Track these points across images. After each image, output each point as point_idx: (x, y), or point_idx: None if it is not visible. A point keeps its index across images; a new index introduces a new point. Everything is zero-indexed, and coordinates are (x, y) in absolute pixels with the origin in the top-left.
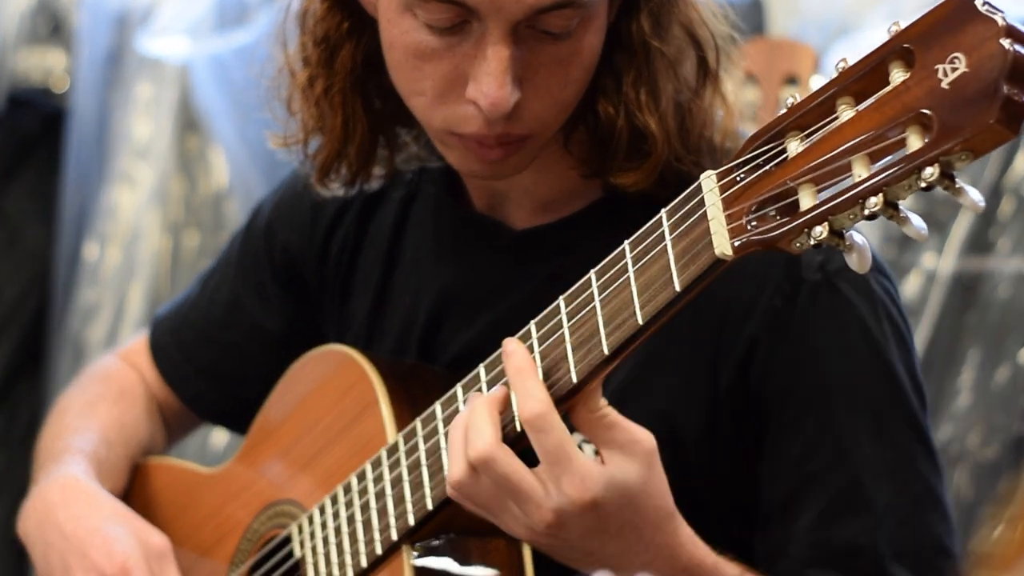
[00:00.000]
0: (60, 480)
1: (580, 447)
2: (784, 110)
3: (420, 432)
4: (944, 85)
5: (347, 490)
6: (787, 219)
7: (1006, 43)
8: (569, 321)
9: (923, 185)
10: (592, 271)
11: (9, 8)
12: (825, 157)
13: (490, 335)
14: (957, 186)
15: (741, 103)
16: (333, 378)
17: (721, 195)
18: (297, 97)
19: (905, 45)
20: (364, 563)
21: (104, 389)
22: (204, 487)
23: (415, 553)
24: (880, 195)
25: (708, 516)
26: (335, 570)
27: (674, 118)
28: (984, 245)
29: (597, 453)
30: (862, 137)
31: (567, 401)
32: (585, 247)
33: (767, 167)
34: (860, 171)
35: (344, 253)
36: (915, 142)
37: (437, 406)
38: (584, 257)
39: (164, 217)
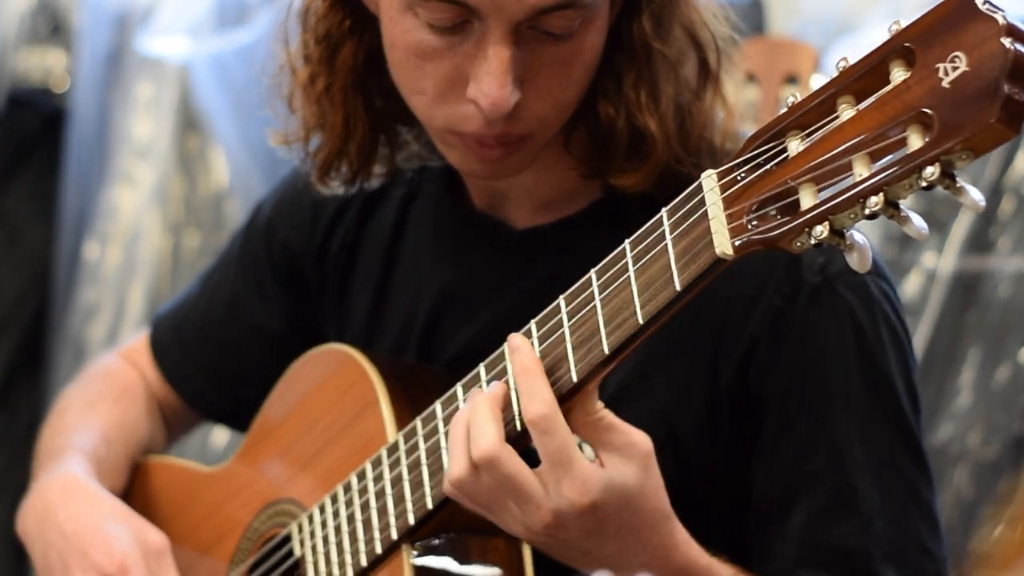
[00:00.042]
0: (60, 479)
1: (580, 447)
2: (784, 109)
3: (420, 431)
4: (945, 84)
5: (347, 489)
6: (788, 218)
7: (1007, 42)
8: (569, 320)
9: (924, 184)
10: (593, 270)
11: (9, 8)
12: (826, 156)
13: (490, 334)
14: (958, 185)
15: (741, 103)
16: (333, 377)
17: (722, 194)
18: (298, 95)
19: (906, 44)
20: (364, 562)
21: (105, 388)
22: (204, 486)
23: (415, 552)
24: (881, 194)
25: (707, 516)
26: (335, 569)
27: (674, 119)
28: (984, 244)
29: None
30: (863, 136)
31: (567, 401)
32: (585, 247)
33: (768, 166)
34: (861, 170)
35: (344, 251)
36: (916, 141)
37: (437, 405)
38: (584, 257)
39: (164, 217)
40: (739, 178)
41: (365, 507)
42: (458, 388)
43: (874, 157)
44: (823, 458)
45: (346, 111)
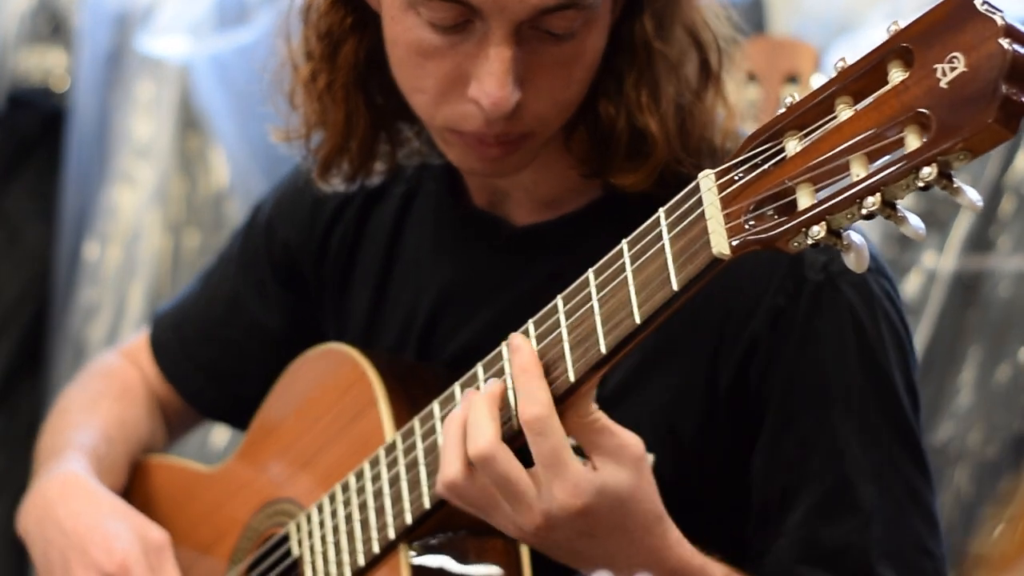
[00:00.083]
0: (60, 477)
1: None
2: (783, 109)
3: (418, 431)
4: (943, 84)
5: (345, 489)
6: (785, 218)
7: (1005, 43)
8: (567, 320)
9: (921, 185)
10: (590, 270)
11: (9, 8)
12: (823, 157)
13: (490, 333)
14: (955, 186)
15: (742, 102)
16: (332, 377)
17: (719, 194)
18: (299, 92)
19: (904, 44)
20: (362, 562)
21: (105, 386)
22: (203, 485)
23: (412, 552)
24: (878, 195)
25: (706, 515)
26: (333, 569)
27: (675, 119)
28: (985, 244)
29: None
30: (860, 136)
31: (563, 401)
32: (585, 246)
33: (765, 166)
34: (858, 170)
35: (344, 250)
36: (913, 142)
37: (435, 405)
38: (584, 256)
39: (165, 217)
40: (736, 178)
41: (363, 507)
42: (456, 388)
43: (872, 157)
44: (822, 456)
45: (347, 108)
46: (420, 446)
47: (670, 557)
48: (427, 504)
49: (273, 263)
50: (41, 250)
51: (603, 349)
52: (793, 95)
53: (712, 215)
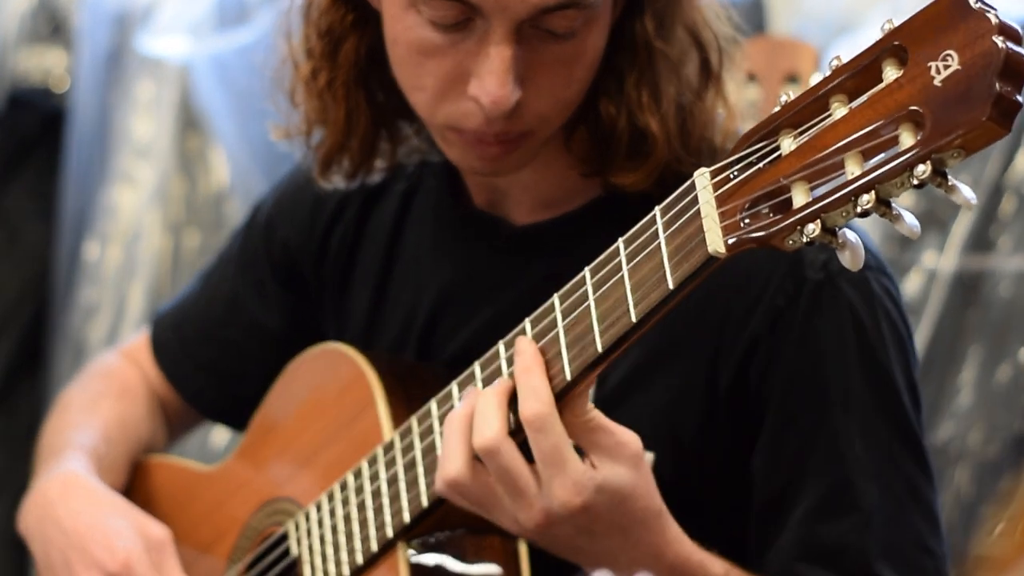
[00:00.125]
0: (60, 476)
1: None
2: (778, 108)
3: (416, 430)
4: (937, 83)
5: (343, 488)
6: (780, 217)
7: (999, 40)
8: (564, 319)
9: (915, 183)
10: (587, 268)
11: (9, 8)
12: (818, 155)
13: (489, 333)
14: (949, 183)
15: (742, 102)
16: (331, 377)
17: (714, 193)
18: (300, 89)
19: (898, 43)
20: (360, 560)
21: (106, 386)
22: (203, 485)
23: (411, 550)
24: (872, 192)
25: (707, 515)
26: (331, 567)
27: (675, 119)
28: (985, 243)
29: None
30: (855, 135)
31: (560, 400)
32: (584, 245)
33: (760, 165)
34: (853, 168)
35: (344, 250)
36: (907, 139)
37: (433, 404)
38: (583, 256)
39: (165, 217)
40: (731, 176)
41: (361, 506)
42: (453, 387)
43: (866, 155)
44: (823, 454)
45: (348, 106)
46: (418, 445)
47: (669, 553)
48: (425, 502)
49: (273, 263)
50: (41, 250)
51: (599, 348)
52: (788, 93)
53: (707, 213)
